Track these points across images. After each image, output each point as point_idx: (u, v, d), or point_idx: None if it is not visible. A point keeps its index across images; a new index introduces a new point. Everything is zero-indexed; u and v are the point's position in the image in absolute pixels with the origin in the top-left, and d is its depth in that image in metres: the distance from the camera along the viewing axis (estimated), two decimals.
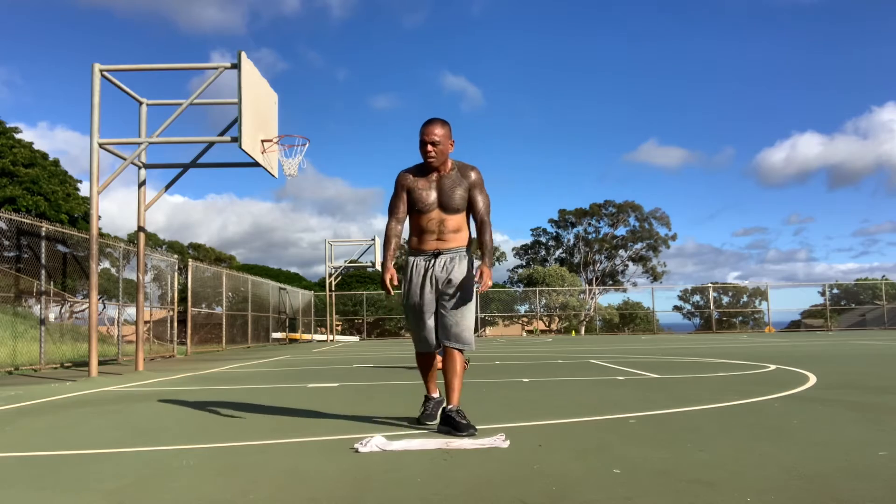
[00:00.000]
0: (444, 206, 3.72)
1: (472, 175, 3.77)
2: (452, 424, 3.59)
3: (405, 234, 3.94)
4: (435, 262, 3.75)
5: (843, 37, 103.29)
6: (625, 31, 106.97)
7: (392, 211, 3.82)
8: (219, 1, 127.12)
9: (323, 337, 30.93)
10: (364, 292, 37.39)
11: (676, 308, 47.92)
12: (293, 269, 52.88)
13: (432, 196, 3.72)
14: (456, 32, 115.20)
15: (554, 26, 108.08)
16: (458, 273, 3.72)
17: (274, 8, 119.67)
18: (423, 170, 3.78)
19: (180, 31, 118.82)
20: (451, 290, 3.71)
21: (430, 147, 3.67)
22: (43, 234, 11.09)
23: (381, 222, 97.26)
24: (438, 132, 3.68)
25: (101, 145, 9.27)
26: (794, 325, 39.81)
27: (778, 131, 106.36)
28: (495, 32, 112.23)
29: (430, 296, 3.74)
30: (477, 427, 3.60)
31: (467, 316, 3.71)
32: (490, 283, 3.56)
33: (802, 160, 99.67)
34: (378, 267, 31.67)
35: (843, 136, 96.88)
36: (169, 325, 16.94)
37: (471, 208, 3.78)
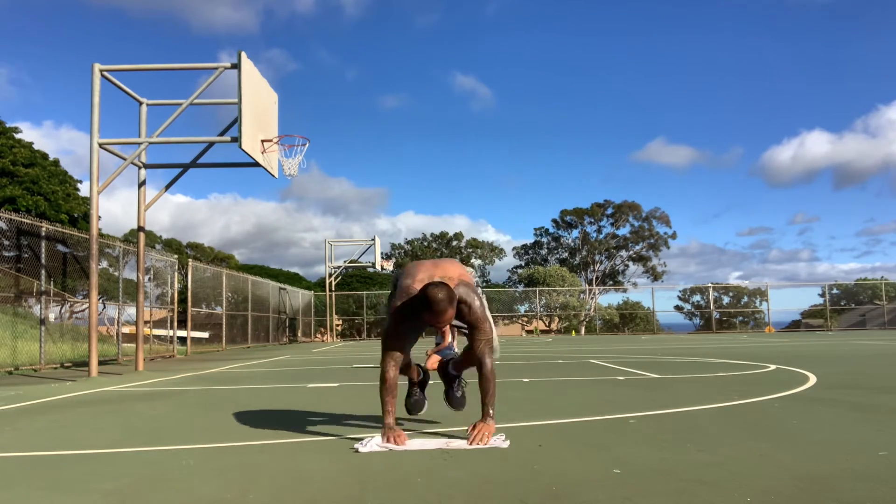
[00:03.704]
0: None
1: (470, 317, 3.37)
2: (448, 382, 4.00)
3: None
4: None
5: (851, 34, 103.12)
6: (633, 29, 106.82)
7: (391, 352, 3.44)
8: (233, 0, 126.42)
9: (204, 334, 20.89)
10: (364, 292, 37.39)
11: (677, 308, 47.94)
12: (294, 270, 52.89)
13: (425, 329, 3.54)
14: (467, 33, 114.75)
15: (563, 25, 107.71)
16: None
17: (288, 7, 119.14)
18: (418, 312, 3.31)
19: (192, 31, 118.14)
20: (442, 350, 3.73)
21: (439, 324, 3.27)
22: (43, 234, 11.09)
23: (383, 222, 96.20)
24: (451, 316, 3.23)
25: (101, 145, 9.27)
26: (794, 325, 39.81)
27: (786, 129, 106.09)
28: (506, 32, 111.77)
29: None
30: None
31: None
32: (486, 441, 3.26)
33: (810, 159, 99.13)
34: (378, 264, 31.70)
35: (852, 135, 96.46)
36: (169, 325, 16.93)
37: (470, 345, 3.48)
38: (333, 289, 31.76)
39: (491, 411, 3.42)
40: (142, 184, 10.52)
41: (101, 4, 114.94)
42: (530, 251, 59.71)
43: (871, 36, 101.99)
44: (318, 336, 32.74)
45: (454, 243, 60.37)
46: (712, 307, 36.80)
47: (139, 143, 9.98)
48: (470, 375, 4.00)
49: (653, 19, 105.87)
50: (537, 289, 40.19)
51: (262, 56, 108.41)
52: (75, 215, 24.63)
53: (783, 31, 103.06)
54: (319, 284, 40.05)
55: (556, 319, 41.92)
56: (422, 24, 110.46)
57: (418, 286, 3.32)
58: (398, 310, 3.38)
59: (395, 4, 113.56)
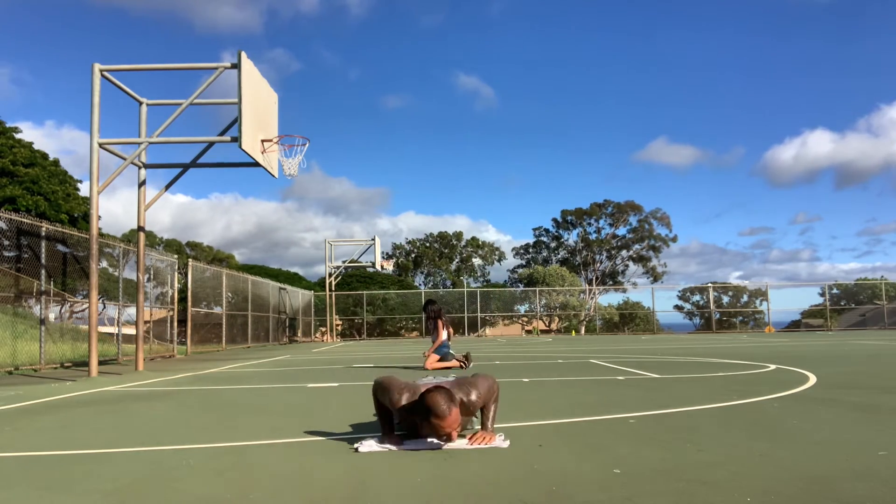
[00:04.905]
0: None
1: (473, 406, 3.40)
2: None
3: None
4: None
5: (854, 33, 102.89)
6: (635, 28, 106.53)
7: (380, 408, 3.48)
8: (236, 0, 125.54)
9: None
10: (364, 292, 37.39)
11: (677, 308, 47.91)
12: (295, 269, 52.87)
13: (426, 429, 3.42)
14: (470, 32, 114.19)
15: (566, 24, 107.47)
16: None
17: (292, 6, 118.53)
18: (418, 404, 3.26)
19: (195, 31, 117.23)
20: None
21: (454, 433, 3.20)
22: (43, 234, 11.09)
23: (384, 222, 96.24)
24: (457, 416, 3.16)
25: (101, 145, 9.27)
26: (794, 325, 39.80)
27: (788, 128, 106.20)
28: (509, 32, 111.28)
29: None
30: (475, 428, 3.60)
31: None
32: (484, 444, 3.29)
33: (812, 158, 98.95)
34: (378, 264, 31.73)
35: (854, 134, 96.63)
36: (169, 325, 16.93)
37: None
38: (333, 289, 31.77)
39: (491, 425, 3.45)
40: (142, 184, 10.52)
41: (104, 3, 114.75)
42: (531, 251, 59.75)
43: (873, 35, 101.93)
44: (318, 336, 32.76)
45: (454, 243, 60.39)
46: (712, 307, 36.79)
47: (139, 143, 9.98)
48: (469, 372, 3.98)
49: (655, 18, 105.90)
50: (537, 288, 40.19)
51: (265, 56, 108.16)
52: (75, 215, 24.63)
53: (786, 30, 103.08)
54: (319, 284, 40.05)
55: (556, 319, 41.92)
56: (425, 23, 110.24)
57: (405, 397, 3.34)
58: (390, 397, 3.39)
59: (400, 4, 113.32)
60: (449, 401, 3.13)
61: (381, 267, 32.56)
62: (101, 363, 9.77)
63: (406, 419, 3.41)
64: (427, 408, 3.13)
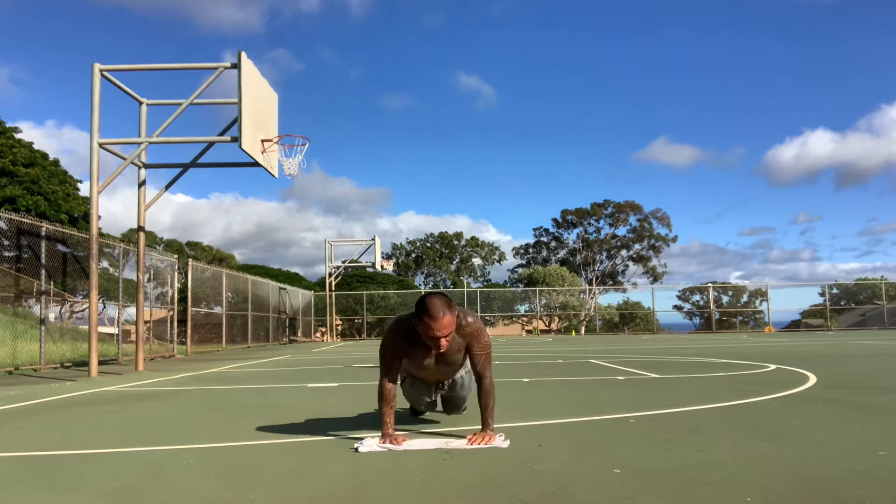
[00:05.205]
0: (445, 365, 3.57)
1: (468, 329, 3.42)
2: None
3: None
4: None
5: (855, 32, 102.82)
6: (636, 27, 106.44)
7: (384, 384, 3.44)
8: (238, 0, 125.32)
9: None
10: (364, 292, 37.38)
11: (677, 308, 47.91)
12: (295, 269, 52.91)
13: (431, 363, 3.51)
14: (472, 32, 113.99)
15: (568, 24, 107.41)
16: (460, 379, 3.89)
17: (293, 6, 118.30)
18: (417, 337, 3.35)
19: (198, 31, 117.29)
20: (455, 391, 3.94)
21: (443, 341, 3.25)
22: (43, 234, 11.09)
23: (385, 222, 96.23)
24: (449, 323, 3.21)
25: (101, 145, 9.28)
26: (794, 325, 39.80)
27: (789, 128, 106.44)
28: (511, 31, 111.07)
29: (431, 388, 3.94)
30: (475, 427, 3.60)
31: (471, 390, 3.90)
32: (484, 444, 3.29)
33: (813, 158, 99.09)
34: (378, 264, 31.73)
35: (855, 134, 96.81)
36: (169, 325, 16.93)
37: (470, 361, 3.57)
38: (333, 289, 31.77)
39: (491, 423, 3.43)
40: (142, 184, 10.52)
41: (105, 3, 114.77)
42: (531, 251, 59.76)
43: (874, 34, 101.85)
44: (318, 336, 32.76)
45: (454, 243, 60.39)
46: (712, 307, 36.78)
47: (139, 143, 9.98)
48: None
49: (655, 18, 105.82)
50: (537, 288, 40.19)
51: (266, 56, 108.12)
52: (75, 215, 24.63)
53: (786, 30, 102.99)
54: (319, 284, 40.04)
55: (556, 319, 41.93)
56: (426, 23, 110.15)
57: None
58: (391, 345, 3.44)
59: (400, 4, 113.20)
60: (446, 307, 3.20)
61: (382, 267, 32.58)
62: (101, 363, 9.77)
63: (405, 344, 3.41)
64: (424, 307, 3.20)
